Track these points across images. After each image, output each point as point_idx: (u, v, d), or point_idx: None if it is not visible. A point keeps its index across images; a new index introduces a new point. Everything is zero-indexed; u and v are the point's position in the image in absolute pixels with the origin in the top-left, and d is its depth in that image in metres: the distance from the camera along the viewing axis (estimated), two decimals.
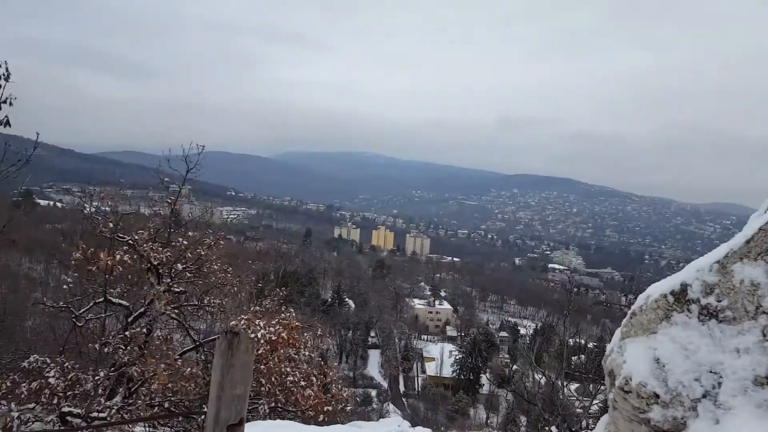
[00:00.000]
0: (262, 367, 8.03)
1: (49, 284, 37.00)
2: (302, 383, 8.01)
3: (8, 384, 6.55)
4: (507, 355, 73.51)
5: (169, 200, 9.00)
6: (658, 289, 2.59)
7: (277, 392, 8.09)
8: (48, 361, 6.98)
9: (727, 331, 2.24)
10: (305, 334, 9.32)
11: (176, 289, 8.38)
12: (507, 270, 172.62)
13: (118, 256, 7.70)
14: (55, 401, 6.57)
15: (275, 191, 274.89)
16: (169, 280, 8.18)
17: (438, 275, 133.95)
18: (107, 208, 9.02)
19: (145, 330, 7.68)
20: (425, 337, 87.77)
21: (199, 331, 11.01)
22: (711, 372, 2.20)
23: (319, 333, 10.02)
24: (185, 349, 8.75)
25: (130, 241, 8.01)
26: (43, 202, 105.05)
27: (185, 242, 8.63)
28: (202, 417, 7.55)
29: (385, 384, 68.31)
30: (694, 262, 2.56)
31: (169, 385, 7.33)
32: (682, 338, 2.34)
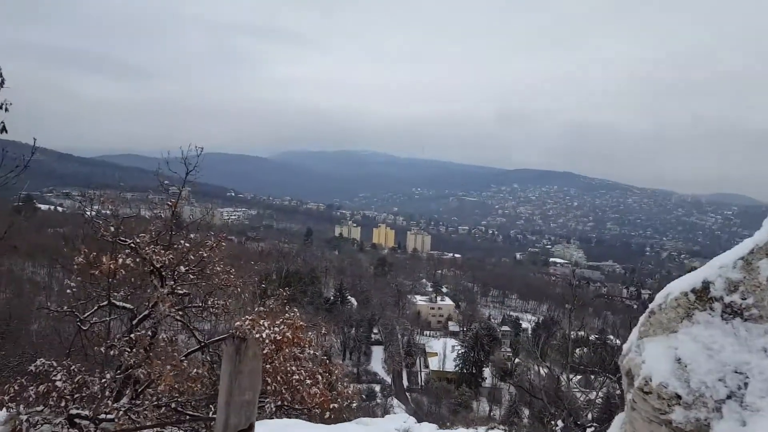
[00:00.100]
0: (268, 366, 8.03)
1: (53, 288, 37.08)
2: (308, 381, 8.02)
3: (16, 387, 6.57)
4: (509, 349, 73.76)
5: (169, 203, 8.99)
6: (678, 286, 2.51)
7: (283, 391, 8.11)
8: (54, 364, 6.99)
9: (753, 330, 2.17)
10: (309, 333, 9.32)
11: (180, 291, 8.38)
12: (508, 265, 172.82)
13: (120, 260, 7.70)
14: (62, 404, 6.59)
15: (275, 191, 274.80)
16: (173, 282, 8.18)
17: (439, 271, 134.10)
18: (108, 212, 9.01)
19: (150, 332, 7.69)
20: (427, 332, 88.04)
21: (203, 331, 11.01)
22: (736, 372, 2.12)
23: (323, 332, 10.02)
24: (190, 350, 8.76)
25: (132, 245, 8.01)
26: (43, 207, 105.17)
27: (187, 244, 8.62)
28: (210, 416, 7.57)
29: (388, 379, 68.57)
30: (715, 258, 2.47)
31: (176, 386, 7.33)
32: (704, 337, 2.26)
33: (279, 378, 7.84)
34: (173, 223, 8.85)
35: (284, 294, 10.10)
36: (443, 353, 69.93)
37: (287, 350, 8.24)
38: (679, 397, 2.18)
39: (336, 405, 7.94)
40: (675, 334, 2.37)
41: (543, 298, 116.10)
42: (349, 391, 8.61)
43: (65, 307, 8.10)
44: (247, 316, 8.39)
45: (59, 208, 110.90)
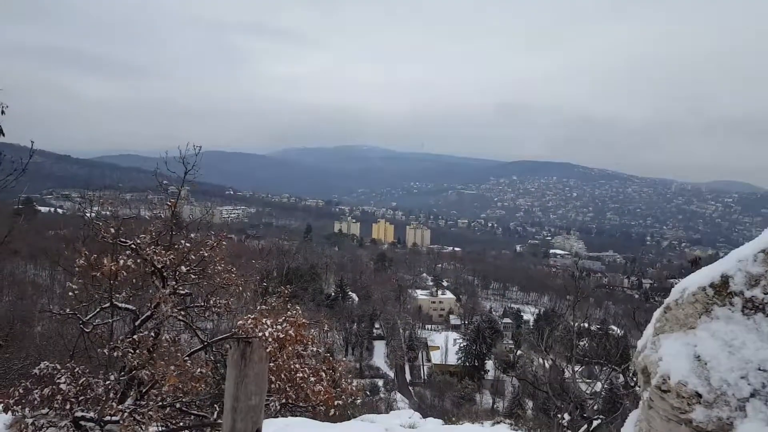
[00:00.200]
0: (272, 364, 8.03)
1: (54, 291, 37.14)
2: (312, 379, 8.01)
3: (21, 391, 6.56)
4: (511, 341, 74.02)
5: (168, 203, 8.95)
6: (695, 281, 2.39)
7: (287, 389, 8.10)
8: (58, 367, 6.98)
9: None
10: (312, 330, 9.30)
11: (182, 292, 8.35)
12: (508, 257, 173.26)
13: (121, 261, 7.67)
14: (67, 406, 6.58)
15: (274, 188, 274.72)
16: (174, 282, 8.15)
17: (439, 265, 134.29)
18: (108, 212, 8.97)
19: (153, 333, 7.67)
20: (429, 326, 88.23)
21: (205, 330, 11.00)
22: (760, 369, 2.03)
23: (326, 329, 10.01)
24: (193, 349, 8.74)
25: (133, 246, 7.98)
26: (43, 209, 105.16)
27: (188, 244, 8.59)
28: (215, 416, 7.57)
29: (391, 373, 68.80)
30: (734, 251, 2.36)
31: (180, 386, 7.32)
32: (724, 333, 2.17)
33: (283, 376, 7.84)
34: (173, 223, 8.81)
35: (286, 291, 10.08)
36: (445, 347, 70.16)
37: (290, 348, 8.22)
38: (699, 395, 2.10)
39: (340, 402, 7.93)
40: (693, 331, 2.28)
41: (544, 290, 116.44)
42: (353, 388, 8.61)
43: (68, 310, 8.07)
44: (249, 315, 8.37)
45: (59, 210, 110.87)
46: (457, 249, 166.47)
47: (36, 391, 6.54)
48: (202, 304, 8.70)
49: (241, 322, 8.10)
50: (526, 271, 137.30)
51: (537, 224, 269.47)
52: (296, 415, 8.31)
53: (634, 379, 10.52)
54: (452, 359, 67.81)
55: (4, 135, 6.40)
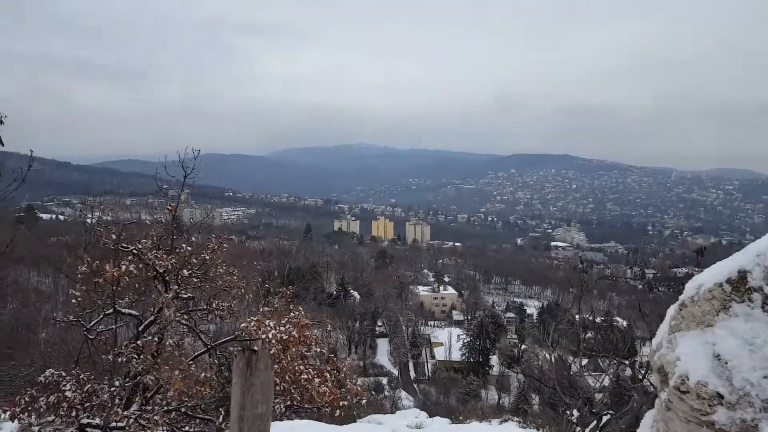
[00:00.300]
0: (276, 366, 8.03)
1: (58, 297, 37.17)
2: (316, 380, 8.03)
3: (26, 399, 6.58)
4: (515, 336, 74.04)
5: (169, 207, 8.95)
6: (711, 277, 2.32)
7: (292, 390, 8.12)
8: (63, 374, 7.00)
9: None
10: (315, 331, 9.32)
11: (184, 296, 8.36)
12: (509, 251, 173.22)
13: (123, 267, 7.68)
14: (73, 413, 6.60)
15: (272, 189, 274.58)
16: (177, 286, 8.16)
17: (440, 261, 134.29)
18: (109, 218, 8.98)
19: (156, 338, 7.68)
20: (432, 322, 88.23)
21: (208, 333, 11.02)
22: None
23: (329, 329, 10.01)
24: (197, 353, 8.76)
25: (134, 251, 7.99)
26: (45, 216, 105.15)
27: (189, 248, 8.60)
28: (220, 419, 7.59)
29: (395, 371, 68.79)
30: (751, 245, 2.30)
31: (185, 389, 7.35)
32: (744, 331, 2.10)
33: (287, 378, 7.85)
34: (174, 227, 8.82)
35: (288, 292, 10.10)
36: (449, 343, 70.11)
37: (294, 349, 8.24)
38: (720, 396, 2.04)
39: (346, 402, 7.95)
40: (711, 329, 2.21)
41: (546, 283, 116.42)
42: (358, 388, 8.63)
43: (71, 317, 8.09)
44: (252, 317, 8.39)
45: (60, 217, 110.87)
46: (457, 244, 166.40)
47: (42, 398, 6.57)
48: (205, 307, 8.72)
49: (244, 324, 8.12)
50: (527, 265, 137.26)
51: (537, 217, 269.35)
52: (301, 417, 8.33)
53: (642, 371, 10.51)
54: (456, 355, 67.75)
55: (3, 145, 6.40)
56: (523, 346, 65.63)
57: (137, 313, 8.07)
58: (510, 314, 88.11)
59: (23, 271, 48.89)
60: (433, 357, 72.70)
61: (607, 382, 11.34)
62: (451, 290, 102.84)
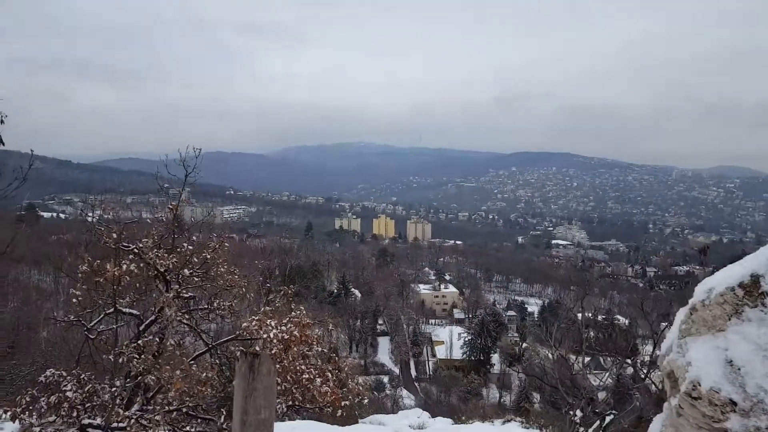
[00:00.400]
0: (277, 366, 7.98)
1: (59, 296, 37.21)
2: (318, 380, 8.00)
3: (27, 399, 6.56)
4: (516, 334, 74.01)
5: (170, 206, 8.92)
6: (722, 281, 2.28)
7: (294, 390, 8.08)
8: (64, 374, 6.97)
9: None
10: (316, 330, 9.29)
11: (185, 295, 8.33)
12: (510, 249, 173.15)
13: (124, 266, 7.65)
14: (74, 414, 6.57)
15: (273, 187, 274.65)
16: (178, 286, 8.13)
17: (441, 259, 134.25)
18: (109, 216, 8.95)
19: (157, 338, 7.65)
20: (433, 321, 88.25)
21: (209, 332, 10.99)
22: None
23: (330, 328, 9.97)
24: (198, 352, 8.73)
25: (135, 250, 7.96)
26: (46, 215, 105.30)
27: (190, 247, 8.56)
28: (221, 419, 7.56)
29: (396, 370, 68.83)
30: (763, 248, 2.26)
31: (186, 389, 7.31)
32: (758, 337, 2.06)
33: (289, 377, 7.81)
34: (175, 226, 8.78)
35: (289, 291, 10.07)
36: (450, 341, 70.08)
37: (295, 349, 8.20)
38: (734, 403, 2.00)
39: (347, 402, 7.91)
40: (723, 333, 2.18)
41: (547, 281, 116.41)
42: (360, 387, 8.59)
43: (72, 317, 8.06)
44: (253, 317, 8.36)
45: (61, 215, 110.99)
46: (458, 242, 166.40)
47: (43, 398, 6.54)
48: (206, 306, 8.68)
49: (245, 324, 8.09)
50: (528, 263, 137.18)
51: (538, 215, 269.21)
52: (303, 417, 8.30)
53: (644, 371, 10.48)
54: (457, 354, 67.72)
55: (3, 144, 6.37)
56: (524, 345, 65.63)
57: (138, 313, 8.04)
58: (511, 312, 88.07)
59: (24, 269, 48.98)
60: (434, 355, 72.68)
61: (609, 381, 11.30)
62: (452, 288, 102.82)
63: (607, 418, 7.79)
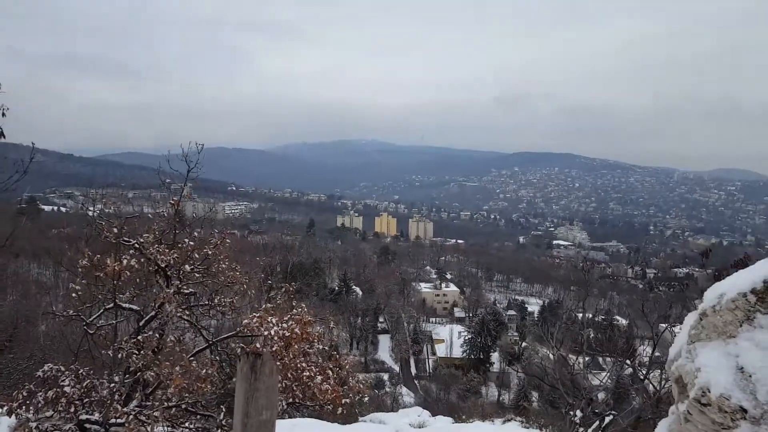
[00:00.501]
0: (278, 363, 7.93)
1: (58, 290, 37.24)
2: (319, 378, 7.95)
3: (24, 394, 6.50)
4: (516, 333, 74.02)
5: (172, 201, 8.87)
6: (734, 286, 2.25)
7: (294, 387, 8.04)
8: (62, 369, 6.92)
9: None
10: (318, 328, 9.24)
11: (186, 291, 8.28)
12: (511, 249, 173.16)
13: (125, 261, 7.60)
14: (72, 409, 6.51)
15: (275, 184, 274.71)
16: (178, 281, 8.08)
17: (443, 258, 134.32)
18: (111, 210, 8.90)
19: (157, 333, 7.60)
20: (433, 319, 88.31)
21: (209, 328, 10.95)
22: None
23: (331, 326, 9.93)
24: (198, 349, 8.68)
25: (136, 245, 7.91)
26: (47, 208, 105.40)
27: (191, 243, 8.51)
28: (221, 416, 7.51)
29: (396, 367, 68.90)
30: None
31: (185, 385, 7.26)
32: None
33: (289, 375, 7.77)
34: (176, 221, 8.73)
35: (291, 289, 10.02)
36: (450, 340, 70.16)
37: (296, 346, 8.16)
38: (744, 410, 1.98)
39: (348, 400, 7.87)
40: (734, 340, 2.15)
41: (548, 281, 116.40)
42: (360, 385, 8.55)
43: (71, 311, 8.02)
44: (254, 313, 8.31)
45: (62, 209, 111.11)
46: (460, 241, 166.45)
47: (40, 393, 6.48)
48: (207, 303, 8.63)
49: (246, 320, 8.04)
50: (529, 263, 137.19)
51: (540, 215, 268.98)
52: (303, 414, 8.25)
53: (642, 371, 10.43)
54: (457, 352, 67.80)
55: (5, 137, 6.33)
56: (524, 344, 65.64)
57: (138, 308, 7.99)
58: (511, 312, 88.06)
59: (24, 263, 49.01)
60: (434, 353, 72.74)
61: (609, 381, 11.25)
62: (453, 287, 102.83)
63: (607, 419, 7.75)
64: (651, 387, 9.75)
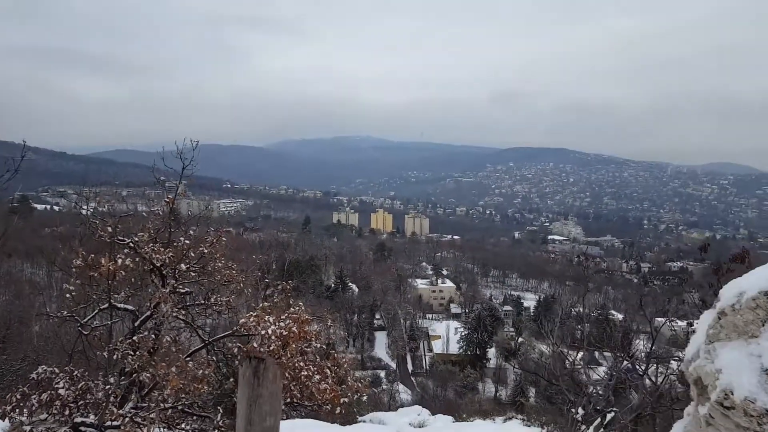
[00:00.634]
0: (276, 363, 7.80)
1: (52, 290, 36.99)
2: (316, 377, 7.87)
3: (18, 396, 6.40)
4: (512, 329, 74.21)
5: (166, 199, 8.75)
6: (754, 284, 2.16)
7: (292, 387, 7.96)
8: (57, 371, 6.81)
9: None
10: (315, 326, 9.16)
11: (181, 290, 8.17)
12: (507, 244, 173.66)
13: (119, 260, 7.49)
14: (66, 412, 6.42)
15: (271, 181, 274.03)
16: (174, 281, 7.97)
17: (439, 254, 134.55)
18: (104, 209, 8.78)
19: (153, 334, 7.50)
20: (430, 315, 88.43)
21: (205, 327, 10.85)
22: None
23: (329, 324, 9.85)
24: (194, 349, 8.59)
25: (131, 244, 7.80)
26: (39, 207, 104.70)
27: (187, 241, 8.40)
28: (218, 417, 7.42)
29: (393, 364, 68.97)
30: None
31: (182, 386, 7.17)
32: None
33: (287, 374, 7.68)
34: (171, 220, 8.62)
35: (287, 287, 9.93)
36: (446, 336, 70.26)
37: (294, 345, 8.07)
38: None
39: (346, 399, 7.80)
40: (756, 340, 2.05)
41: (543, 276, 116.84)
42: (359, 384, 8.48)
43: (65, 312, 7.90)
44: (251, 312, 8.22)
45: (55, 208, 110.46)
46: (456, 237, 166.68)
47: (34, 396, 6.38)
48: (203, 302, 8.54)
49: (243, 320, 7.95)
50: (525, 258, 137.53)
51: (535, 210, 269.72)
52: (301, 414, 8.18)
53: (642, 367, 10.41)
54: (454, 348, 67.91)
55: None
56: (521, 340, 65.86)
57: (133, 308, 7.89)
58: (507, 307, 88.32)
59: (17, 262, 48.65)
60: (430, 350, 72.84)
61: (608, 377, 11.24)
62: (449, 283, 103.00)
63: (608, 416, 7.72)
64: (649, 382, 9.74)
